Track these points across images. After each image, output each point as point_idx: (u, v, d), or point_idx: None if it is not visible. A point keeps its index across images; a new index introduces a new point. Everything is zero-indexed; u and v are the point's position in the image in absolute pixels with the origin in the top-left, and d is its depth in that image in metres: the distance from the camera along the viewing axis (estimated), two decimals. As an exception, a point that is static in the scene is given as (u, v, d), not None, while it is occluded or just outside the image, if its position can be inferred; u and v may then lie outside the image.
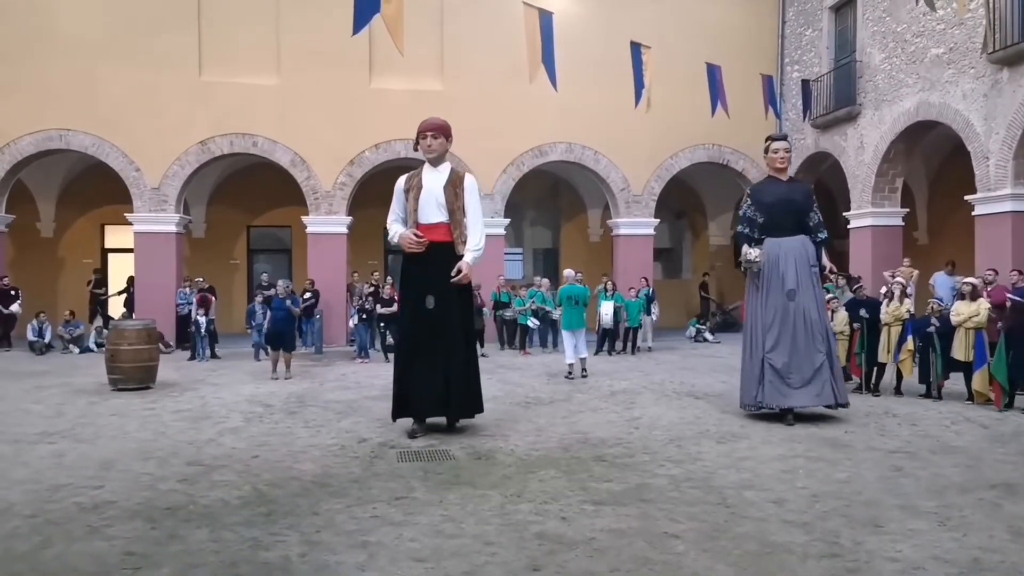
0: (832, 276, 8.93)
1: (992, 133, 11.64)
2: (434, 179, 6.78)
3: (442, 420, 6.90)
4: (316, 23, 15.08)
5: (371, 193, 15.81)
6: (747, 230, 7.72)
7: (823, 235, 7.73)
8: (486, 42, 15.86)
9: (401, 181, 6.95)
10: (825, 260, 7.73)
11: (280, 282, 11.64)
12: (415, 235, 6.62)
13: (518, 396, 9.14)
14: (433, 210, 6.69)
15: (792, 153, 8.18)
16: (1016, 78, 11.17)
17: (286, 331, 11.06)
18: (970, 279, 9.25)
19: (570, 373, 10.80)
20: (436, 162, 6.85)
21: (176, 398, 9.13)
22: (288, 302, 11.17)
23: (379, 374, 10.69)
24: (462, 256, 6.67)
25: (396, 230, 6.88)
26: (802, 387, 7.25)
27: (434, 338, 6.58)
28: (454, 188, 6.75)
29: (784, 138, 8.06)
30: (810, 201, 7.70)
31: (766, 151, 7.86)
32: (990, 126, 11.68)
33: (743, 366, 7.70)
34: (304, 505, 4.67)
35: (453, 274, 6.55)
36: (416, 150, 6.96)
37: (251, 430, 7.11)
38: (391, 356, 9.97)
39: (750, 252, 7.51)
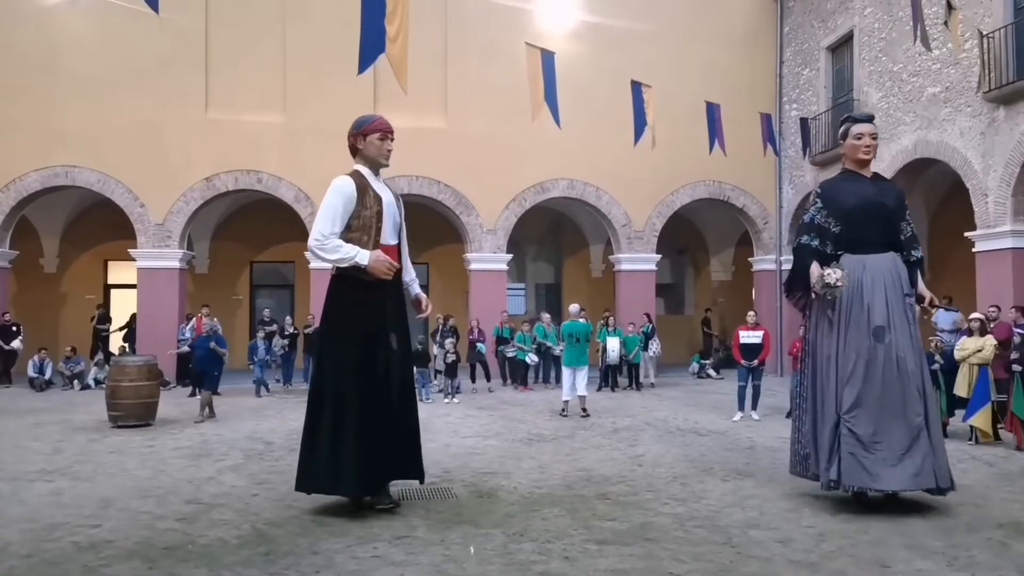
0: (934, 310, 6.64)
1: (990, 170, 11.73)
2: (389, 193, 5.47)
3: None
4: (321, 61, 15.31)
5: (374, 229, 15.88)
6: (816, 243, 5.60)
7: (919, 253, 5.70)
8: (489, 81, 16.08)
9: (348, 184, 5.25)
10: (922, 287, 5.63)
11: (205, 320, 11.59)
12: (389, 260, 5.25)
13: (520, 433, 9.08)
14: (390, 230, 5.39)
15: (879, 140, 5.99)
16: (1012, 116, 11.29)
17: (206, 371, 10.89)
18: (976, 314, 9.22)
19: (564, 410, 10.69)
20: (379, 172, 5.57)
21: (176, 435, 9.07)
22: (212, 342, 11.06)
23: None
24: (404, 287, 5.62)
25: (351, 250, 5.13)
26: (895, 463, 5.19)
27: (395, 385, 5.33)
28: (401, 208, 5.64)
29: (870, 119, 5.77)
30: (903, 207, 5.69)
31: (843, 136, 5.77)
32: (988, 163, 11.77)
33: (802, 425, 5.70)
34: (304, 544, 4.61)
35: (424, 306, 5.62)
36: (357, 148, 5.51)
37: (251, 467, 7.06)
38: None
39: (830, 274, 5.34)
